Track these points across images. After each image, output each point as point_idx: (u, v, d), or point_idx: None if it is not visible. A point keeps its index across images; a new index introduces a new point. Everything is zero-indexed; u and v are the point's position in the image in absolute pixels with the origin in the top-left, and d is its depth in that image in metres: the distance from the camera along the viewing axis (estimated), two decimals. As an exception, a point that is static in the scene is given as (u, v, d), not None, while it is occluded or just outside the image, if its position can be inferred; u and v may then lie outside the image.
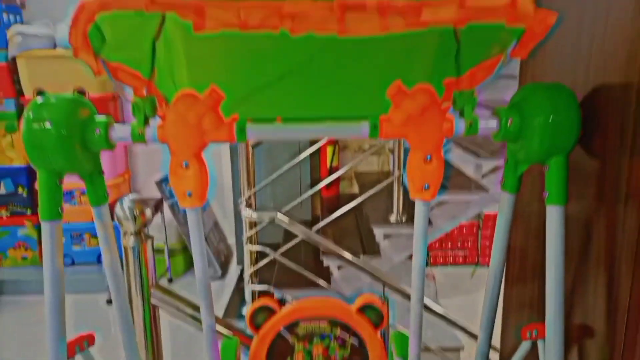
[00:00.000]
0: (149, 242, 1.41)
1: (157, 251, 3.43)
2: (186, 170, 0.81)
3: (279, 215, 2.21)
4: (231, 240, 4.11)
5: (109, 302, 3.51)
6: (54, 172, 0.84)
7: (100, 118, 0.85)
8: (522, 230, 1.10)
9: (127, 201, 1.37)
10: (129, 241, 1.38)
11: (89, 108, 0.86)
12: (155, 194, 3.72)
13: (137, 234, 1.38)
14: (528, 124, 0.78)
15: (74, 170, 0.85)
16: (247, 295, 2.36)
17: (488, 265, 1.00)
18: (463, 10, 0.66)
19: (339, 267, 2.19)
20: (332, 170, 3.29)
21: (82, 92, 3.54)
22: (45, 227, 0.87)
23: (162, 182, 3.66)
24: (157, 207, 3.57)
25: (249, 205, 2.33)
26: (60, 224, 0.88)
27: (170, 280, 3.80)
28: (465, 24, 0.69)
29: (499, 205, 0.93)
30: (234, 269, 3.84)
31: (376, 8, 0.68)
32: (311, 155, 2.71)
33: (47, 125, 0.79)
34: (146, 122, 0.83)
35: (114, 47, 0.76)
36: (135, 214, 1.35)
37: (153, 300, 1.43)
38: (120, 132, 0.84)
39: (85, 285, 3.65)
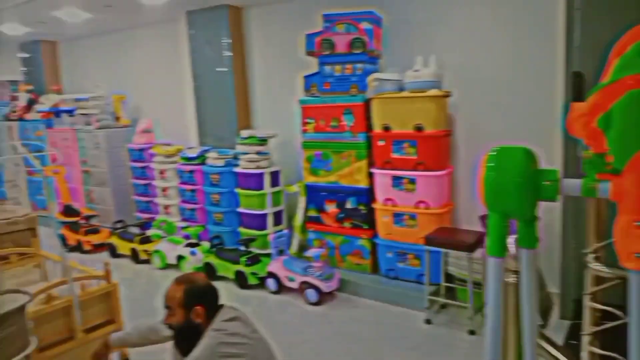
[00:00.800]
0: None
1: (475, 284, 3.43)
2: (638, 229, 0.78)
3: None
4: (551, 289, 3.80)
5: (428, 322, 3.70)
6: (504, 215, 0.94)
7: (551, 170, 0.90)
8: None
9: (511, 240, 1.40)
10: (509, 277, 1.39)
11: (537, 161, 0.92)
12: (476, 227, 3.77)
13: (516, 272, 1.39)
14: None
15: (519, 214, 0.93)
16: (585, 358, 2.13)
17: None
18: None
19: None
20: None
21: (420, 128, 3.89)
22: (490, 262, 0.97)
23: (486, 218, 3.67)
24: (479, 241, 3.60)
25: (596, 259, 2.11)
26: (502, 262, 0.97)
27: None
28: None
29: None
30: (555, 322, 3.50)
31: None
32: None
33: (505, 173, 0.89)
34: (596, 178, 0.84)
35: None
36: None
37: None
38: (569, 185, 0.87)
39: (406, 300, 3.97)
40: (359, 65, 4.12)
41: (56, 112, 6.77)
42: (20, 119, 7.13)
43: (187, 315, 2.16)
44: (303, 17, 4.91)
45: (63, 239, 5.76)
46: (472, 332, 3.50)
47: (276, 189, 4.96)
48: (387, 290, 4.11)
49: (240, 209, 5.00)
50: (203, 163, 5.31)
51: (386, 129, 4.05)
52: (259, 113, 5.62)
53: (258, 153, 4.85)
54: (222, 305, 2.26)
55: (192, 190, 5.38)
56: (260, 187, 4.84)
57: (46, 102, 6.87)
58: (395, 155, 4.04)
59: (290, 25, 5.13)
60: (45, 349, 2.67)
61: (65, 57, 7.66)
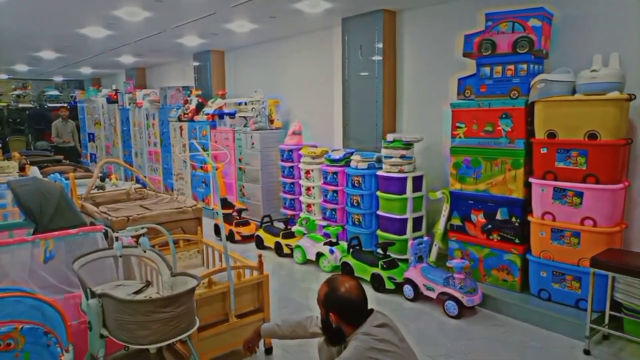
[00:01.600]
0: None
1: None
2: None
3: None
4: None
5: (586, 352, 3.17)
6: None
7: None
8: None
9: None
10: None
11: None
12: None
13: None
14: None
15: None
16: None
17: None
18: None
19: None
20: None
21: (593, 135, 3.34)
22: None
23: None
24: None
25: None
26: None
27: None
28: None
29: None
30: None
31: None
32: None
33: None
34: None
35: None
36: None
37: None
38: None
39: (560, 325, 3.45)
40: (523, 67, 3.67)
41: (220, 115, 7.32)
42: (190, 121, 7.87)
43: (326, 315, 2.15)
44: (459, 18, 4.60)
45: (218, 229, 6.19)
46: (644, 373, 2.90)
47: (418, 194, 4.71)
48: (538, 312, 3.61)
49: (380, 212, 4.84)
50: (347, 165, 5.27)
51: (551, 135, 3.55)
52: (405, 117, 5.40)
53: (402, 157, 4.64)
54: (372, 310, 2.14)
55: (334, 191, 5.38)
56: (403, 192, 4.63)
57: (212, 106, 7.48)
58: (560, 165, 3.52)
59: (445, 27, 4.84)
60: (203, 330, 2.79)
61: (230, 64, 8.28)
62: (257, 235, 5.77)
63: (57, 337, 2.15)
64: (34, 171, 4.98)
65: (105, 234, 2.95)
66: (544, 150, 3.60)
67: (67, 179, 4.66)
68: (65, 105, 12.35)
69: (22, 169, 5.75)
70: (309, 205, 5.79)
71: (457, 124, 4.13)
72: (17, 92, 13.41)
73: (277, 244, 5.47)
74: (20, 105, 13.41)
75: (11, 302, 2.20)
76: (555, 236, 3.60)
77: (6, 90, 13.37)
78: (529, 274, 3.84)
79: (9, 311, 2.18)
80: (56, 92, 14.08)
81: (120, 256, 2.62)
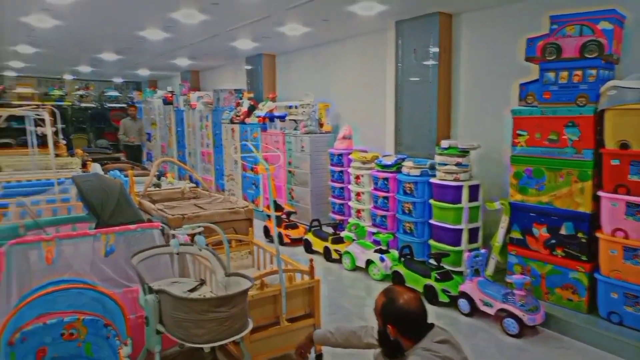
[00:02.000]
0: None
1: None
2: None
3: None
4: None
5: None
6: None
7: None
8: None
9: None
10: None
11: None
12: None
13: None
14: None
15: None
16: None
17: None
18: None
19: None
20: None
21: (674, 147, 3.11)
22: None
23: None
24: None
25: None
26: None
27: None
28: None
29: None
30: None
31: None
32: None
33: None
34: None
35: None
36: None
37: None
38: None
39: (633, 352, 3.22)
40: (591, 72, 3.48)
41: (270, 117, 7.43)
42: (241, 123, 8.02)
43: (384, 326, 2.09)
44: (519, 22, 4.45)
45: (267, 230, 6.25)
46: None
47: (474, 204, 4.56)
48: (608, 336, 3.39)
49: (433, 221, 4.73)
50: (398, 171, 5.19)
51: (623, 146, 3.34)
52: (460, 123, 5.27)
53: (457, 165, 4.52)
54: (432, 325, 2.06)
55: (385, 197, 5.31)
56: (457, 201, 4.50)
57: (263, 108, 7.59)
58: (633, 179, 3.31)
59: (505, 30, 4.69)
60: (254, 332, 2.80)
61: (281, 67, 8.39)
62: (306, 239, 5.79)
63: (116, 330, 2.23)
64: (95, 167, 5.23)
65: (162, 231, 3.04)
66: (615, 162, 3.39)
67: (126, 176, 4.86)
68: (134, 104, 12.87)
69: (83, 165, 6.05)
70: (358, 211, 5.75)
71: (518, 132, 3.97)
72: (80, 92, 14.20)
73: (326, 249, 5.46)
74: (83, 104, 14.20)
75: (75, 293, 2.30)
76: (627, 255, 3.38)
77: (70, 90, 14.18)
78: (597, 295, 3.62)
79: (72, 302, 2.28)
80: (115, 93, 14.79)
81: (177, 253, 2.69)
